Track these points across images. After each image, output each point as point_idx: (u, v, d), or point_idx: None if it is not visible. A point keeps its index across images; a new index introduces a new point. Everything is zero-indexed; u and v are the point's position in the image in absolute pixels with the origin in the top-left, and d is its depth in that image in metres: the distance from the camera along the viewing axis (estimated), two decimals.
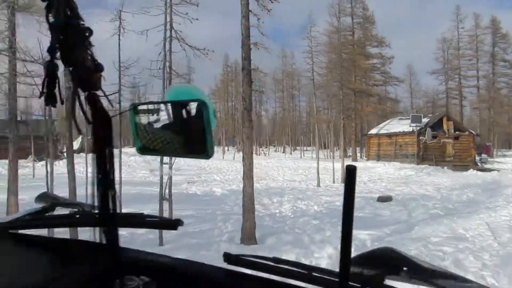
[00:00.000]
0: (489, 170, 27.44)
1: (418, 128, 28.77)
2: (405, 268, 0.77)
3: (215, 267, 0.96)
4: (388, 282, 0.79)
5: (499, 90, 47.70)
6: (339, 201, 11.63)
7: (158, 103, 0.99)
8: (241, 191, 8.00)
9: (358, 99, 37.69)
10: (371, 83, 43.32)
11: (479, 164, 30.95)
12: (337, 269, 0.70)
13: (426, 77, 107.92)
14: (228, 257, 0.90)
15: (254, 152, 11.59)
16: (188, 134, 0.94)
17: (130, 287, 0.82)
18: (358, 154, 38.24)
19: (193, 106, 0.92)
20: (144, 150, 0.98)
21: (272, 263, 0.86)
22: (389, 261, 0.81)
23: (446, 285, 0.76)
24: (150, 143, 0.96)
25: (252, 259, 0.88)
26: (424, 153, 28.94)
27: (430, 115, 34.52)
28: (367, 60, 41.36)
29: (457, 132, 30.43)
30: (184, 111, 0.94)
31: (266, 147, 59.36)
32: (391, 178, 20.05)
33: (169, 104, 0.97)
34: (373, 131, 34.76)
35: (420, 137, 28.74)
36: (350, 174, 0.62)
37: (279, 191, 15.05)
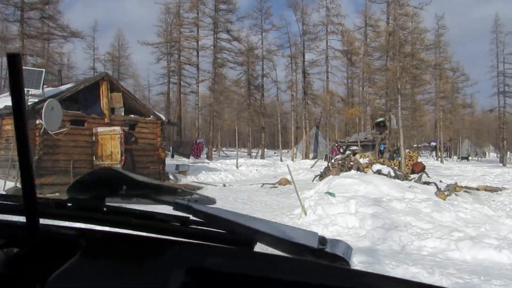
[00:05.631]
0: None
1: (33, 101, 12.39)
2: (124, 187, 0.84)
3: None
4: (109, 202, 0.87)
5: (221, 67, 36.59)
6: None
7: None
8: None
9: None
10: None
11: (172, 177, 17.01)
12: None
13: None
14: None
15: None
16: None
17: None
18: None
19: None
20: None
21: None
22: (109, 182, 0.85)
23: (168, 199, 0.86)
24: None
25: None
26: (45, 157, 12.87)
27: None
28: None
29: (132, 116, 15.67)
30: None
31: None
32: None
33: None
34: None
35: (37, 122, 12.47)
36: (12, 63, 0.58)
37: None
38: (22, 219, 0.76)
